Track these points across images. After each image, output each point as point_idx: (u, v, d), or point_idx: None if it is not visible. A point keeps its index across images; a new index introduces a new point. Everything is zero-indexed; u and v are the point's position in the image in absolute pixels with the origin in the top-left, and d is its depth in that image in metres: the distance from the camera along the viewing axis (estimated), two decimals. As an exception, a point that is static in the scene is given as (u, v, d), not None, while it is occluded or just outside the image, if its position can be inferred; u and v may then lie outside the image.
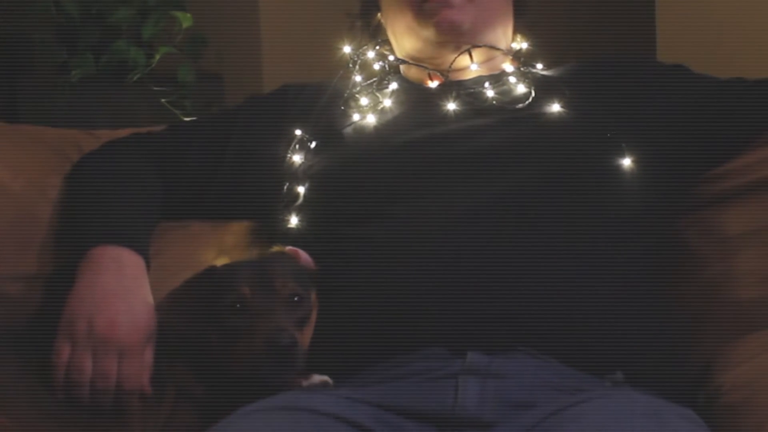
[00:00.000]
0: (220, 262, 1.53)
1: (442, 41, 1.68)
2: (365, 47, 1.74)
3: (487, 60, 1.71)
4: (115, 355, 1.43)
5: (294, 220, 1.60)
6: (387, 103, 1.67)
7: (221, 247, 1.67)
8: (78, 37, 2.70)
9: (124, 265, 1.50)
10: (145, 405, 1.43)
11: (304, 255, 1.51)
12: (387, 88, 1.70)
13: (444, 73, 1.70)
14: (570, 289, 1.43)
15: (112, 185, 1.63)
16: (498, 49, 1.71)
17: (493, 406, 1.32)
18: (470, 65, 1.69)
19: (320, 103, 1.70)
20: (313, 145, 1.66)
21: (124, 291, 1.47)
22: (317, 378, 1.40)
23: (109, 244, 1.52)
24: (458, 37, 1.68)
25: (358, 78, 1.72)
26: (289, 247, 1.53)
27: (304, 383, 1.39)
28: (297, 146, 1.65)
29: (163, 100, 2.69)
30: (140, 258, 1.52)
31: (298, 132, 1.66)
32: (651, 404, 1.27)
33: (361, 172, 1.59)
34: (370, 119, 1.64)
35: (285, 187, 1.64)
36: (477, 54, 1.70)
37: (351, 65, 1.72)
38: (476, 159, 1.56)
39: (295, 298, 1.41)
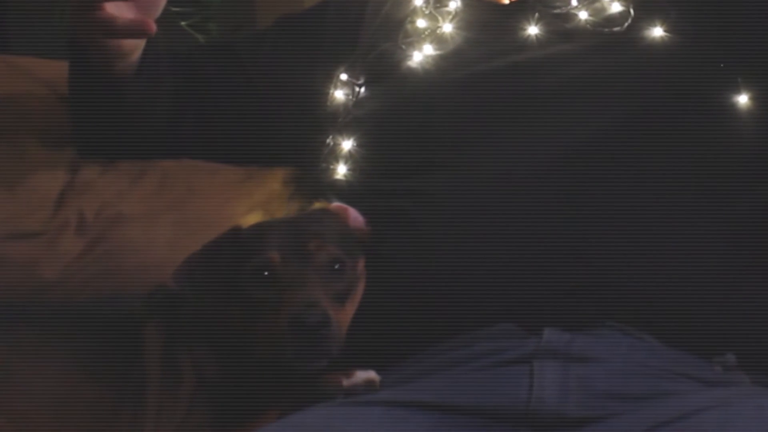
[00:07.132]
0: (253, 218, 1.49)
1: None
2: None
3: None
4: None
5: (341, 170, 1.51)
6: (448, 28, 1.54)
7: (254, 200, 1.59)
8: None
9: None
10: (160, 401, 1.34)
11: (353, 213, 1.41)
12: (448, 6, 1.56)
13: None
14: (670, 252, 1.32)
15: None
16: None
17: (578, 398, 1.22)
18: None
19: (369, 26, 1.60)
20: (361, 80, 1.56)
21: None
22: (361, 376, 1.30)
23: None
24: None
25: (418, 2, 1.57)
26: (335, 203, 1.43)
27: (345, 383, 1.30)
28: (341, 81, 1.56)
29: (183, 23, 2.64)
30: None
31: (344, 76, 1.56)
32: None
33: (419, 113, 1.48)
34: (429, 48, 1.53)
35: (328, 130, 1.54)
36: None
37: None
38: (561, 96, 1.44)
39: (336, 266, 1.32)
